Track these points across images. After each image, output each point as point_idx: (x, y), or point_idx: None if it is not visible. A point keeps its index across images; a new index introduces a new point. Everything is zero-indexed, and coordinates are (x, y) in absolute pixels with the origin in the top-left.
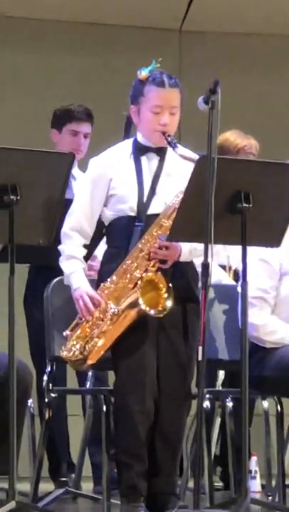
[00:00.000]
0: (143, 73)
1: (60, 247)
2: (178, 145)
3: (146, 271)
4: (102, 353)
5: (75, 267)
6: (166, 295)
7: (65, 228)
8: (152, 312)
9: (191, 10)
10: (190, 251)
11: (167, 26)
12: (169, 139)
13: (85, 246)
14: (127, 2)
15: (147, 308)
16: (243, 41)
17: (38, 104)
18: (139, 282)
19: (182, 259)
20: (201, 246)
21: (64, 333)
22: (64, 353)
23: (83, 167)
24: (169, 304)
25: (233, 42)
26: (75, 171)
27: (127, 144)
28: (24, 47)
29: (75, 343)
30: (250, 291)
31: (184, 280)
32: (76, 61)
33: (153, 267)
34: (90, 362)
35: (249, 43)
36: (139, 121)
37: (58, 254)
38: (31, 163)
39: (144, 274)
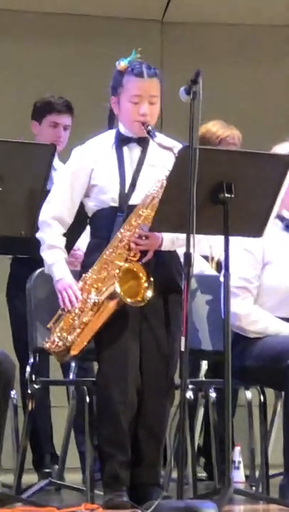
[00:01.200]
0: (122, 64)
1: (38, 235)
2: (157, 134)
3: (126, 260)
4: (84, 343)
5: (56, 257)
6: (146, 285)
7: (45, 216)
8: (131, 302)
9: (173, 0)
10: (172, 240)
11: (149, 17)
12: (148, 128)
13: (65, 235)
14: None
15: (126, 298)
16: (225, 32)
17: (19, 96)
18: (118, 271)
19: (164, 248)
20: (183, 236)
21: (48, 326)
22: (47, 345)
23: (64, 158)
24: (149, 294)
25: (215, 32)
26: (56, 162)
27: (110, 135)
28: (3, 37)
29: (58, 334)
30: (232, 281)
31: (166, 270)
32: (58, 52)
33: (134, 257)
34: (73, 353)
35: (231, 34)
36: (119, 111)
37: (40, 245)
38: (13, 154)
39: (123, 264)
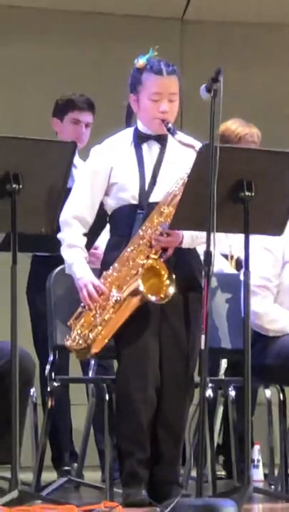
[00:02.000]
0: (140, 61)
1: (59, 235)
2: (177, 132)
3: (148, 258)
4: (105, 341)
5: (77, 256)
6: (168, 282)
7: (66, 216)
8: (154, 299)
9: None
10: (192, 237)
11: (169, 15)
12: (169, 125)
13: (85, 235)
14: None
15: (149, 295)
16: (245, 30)
17: (40, 94)
18: (140, 269)
19: (184, 245)
20: (203, 234)
21: (68, 323)
22: (68, 342)
23: (84, 156)
24: (171, 290)
25: (235, 31)
26: (76, 159)
27: (128, 133)
28: (25, 37)
29: (79, 331)
30: (252, 280)
31: (187, 269)
32: (78, 51)
33: (155, 254)
34: (94, 350)
35: (251, 32)
36: (138, 109)
37: (61, 242)
38: (33, 152)
39: (145, 261)
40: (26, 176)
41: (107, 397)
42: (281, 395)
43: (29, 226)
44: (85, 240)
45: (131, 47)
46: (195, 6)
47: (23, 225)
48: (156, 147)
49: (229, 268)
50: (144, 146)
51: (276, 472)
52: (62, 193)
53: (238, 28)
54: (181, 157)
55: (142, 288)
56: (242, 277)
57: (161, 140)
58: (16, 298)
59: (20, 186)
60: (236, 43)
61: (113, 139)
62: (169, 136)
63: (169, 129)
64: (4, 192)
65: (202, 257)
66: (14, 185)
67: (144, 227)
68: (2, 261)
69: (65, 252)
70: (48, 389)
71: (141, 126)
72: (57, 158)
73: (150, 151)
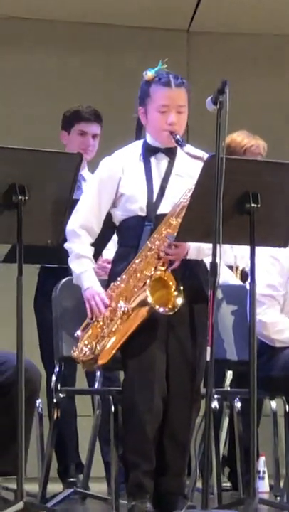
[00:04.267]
0: (149, 74)
1: (66, 245)
2: (186, 144)
3: (155, 269)
4: (113, 352)
5: (85, 267)
6: (176, 293)
7: (73, 226)
8: (162, 310)
9: (199, 10)
10: (198, 249)
11: (175, 27)
12: (177, 137)
13: (92, 245)
14: (136, 3)
15: (157, 307)
16: (251, 41)
17: (48, 106)
18: (148, 281)
19: (190, 256)
20: (208, 246)
21: (75, 334)
22: (75, 353)
23: (93, 169)
24: (179, 301)
25: (241, 42)
26: (85, 172)
27: (137, 145)
28: (34, 48)
29: (86, 343)
30: (259, 289)
31: (194, 280)
32: (84, 62)
33: (162, 265)
34: (101, 362)
35: (257, 43)
36: (147, 122)
37: (68, 254)
38: (40, 163)
39: (153, 273)
40: (32, 187)
41: (113, 408)
42: (287, 407)
43: (35, 238)
44: (92, 250)
45: (137, 58)
46: (201, 18)
47: (29, 236)
48: (164, 160)
49: (235, 279)
50: (153, 159)
51: (282, 484)
52: (68, 204)
53: (245, 40)
54: (189, 169)
55: (150, 299)
56: (248, 287)
57: (170, 153)
58: (21, 309)
59: (27, 198)
60: (242, 54)
61: (123, 150)
62: (178, 149)
63: (177, 141)
64: (10, 203)
65: (208, 268)
66: (20, 197)
67: (152, 239)
68: (8, 272)
69: (72, 262)
70: (54, 400)
71: (150, 139)
72: (63, 169)
73: (158, 163)
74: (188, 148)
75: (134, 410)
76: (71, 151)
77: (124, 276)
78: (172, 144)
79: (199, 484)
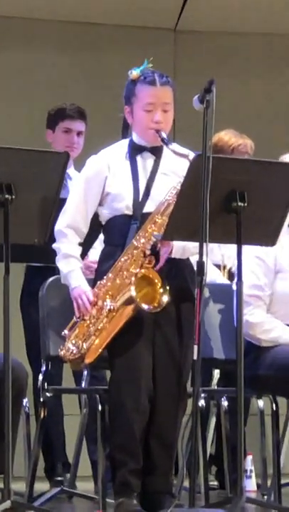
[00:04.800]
0: (134, 73)
1: (55, 246)
2: (172, 142)
3: (141, 267)
4: (100, 351)
5: (72, 266)
6: (161, 290)
7: (60, 226)
8: (147, 308)
9: (186, 9)
10: (183, 248)
11: (162, 25)
12: (162, 135)
13: (80, 244)
14: (122, 1)
15: (142, 304)
16: (238, 40)
17: (31, 105)
18: (133, 278)
19: (174, 255)
20: (193, 244)
21: (62, 333)
22: (62, 352)
23: (80, 167)
24: (165, 299)
25: (228, 41)
26: (71, 171)
27: (123, 144)
28: (18, 47)
29: (73, 342)
30: (245, 289)
31: (179, 279)
32: (70, 61)
33: (149, 263)
34: (88, 360)
35: (244, 43)
36: (132, 120)
37: (55, 253)
38: (26, 162)
39: (139, 270)
40: (19, 186)
41: (99, 407)
42: (274, 406)
43: (22, 236)
44: (80, 249)
45: (124, 57)
46: (188, 16)
47: (16, 235)
48: (150, 159)
49: (222, 278)
50: (139, 158)
51: (269, 483)
52: (55, 203)
53: (231, 38)
54: (175, 167)
55: (134, 295)
56: (234, 287)
57: (156, 151)
58: (8, 308)
59: (13, 197)
60: (229, 53)
61: (109, 149)
62: (164, 147)
63: (162, 139)
64: None
65: (195, 267)
66: (7, 196)
67: (137, 237)
68: None
69: (60, 262)
70: (41, 399)
71: (136, 138)
72: (50, 168)
73: (144, 162)
74: (174, 146)
75: (121, 409)
76: (56, 149)
77: (110, 275)
78: (158, 143)
79: (186, 483)
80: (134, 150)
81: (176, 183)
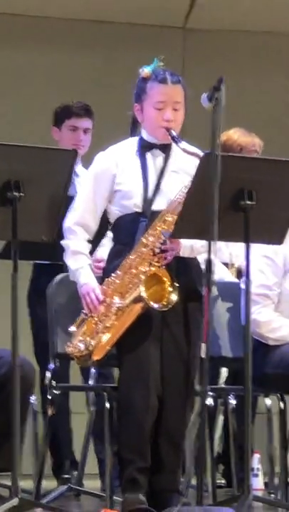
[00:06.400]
0: (145, 71)
1: (63, 242)
2: (182, 141)
3: (150, 265)
4: (107, 348)
5: (81, 263)
6: (170, 289)
7: (69, 223)
8: (156, 306)
9: (195, 7)
10: (191, 247)
11: (171, 24)
12: (173, 134)
13: (89, 242)
14: (131, 0)
15: (151, 302)
16: (247, 39)
17: (42, 102)
18: (142, 276)
19: (182, 254)
20: (201, 243)
21: (70, 329)
22: (69, 349)
23: (87, 164)
24: (174, 297)
25: (237, 39)
26: (79, 168)
27: (133, 142)
28: (27, 45)
29: (81, 338)
30: (253, 288)
31: (188, 277)
32: (80, 59)
33: (158, 262)
34: (95, 357)
35: (253, 41)
36: (143, 118)
37: (63, 250)
38: (34, 159)
39: (148, 269)
40: (27, 183)
41: (107, 405)
42: (281, 404)
43: (30, 234)
44: (89, 246)
45: (133, 55)
46: (197, 15)
47: (24, 232)
48: (160, 156)
49: (230, 276)
50: (148, 155)
51: (276, 481)
52: (63, 201)
53: (240, 37)
54: (185, 165)
55: (144, 294)
56: (242, 286)
57: (165, 149)
58: (16, 305)
59: (22, 194)
60: (238, 51)
61: (117, 146)
62: (173, 145)
63: (173, 138)
64: (5, 200)
65: (203, 266)
66: (15, 193)
67: (147, 235)
68: (3, 269)
69: (69, 258)
70: (49, 397)
71: (145, 135)
72: (58, 166)
73: (154, 159)
74: (184, 144)
75: (131, 407)
76: (63, 146)
77: (119, 273)
78: (168, 140)
79: (194, 481)
80: (144, 147)
81: (187, 182)
